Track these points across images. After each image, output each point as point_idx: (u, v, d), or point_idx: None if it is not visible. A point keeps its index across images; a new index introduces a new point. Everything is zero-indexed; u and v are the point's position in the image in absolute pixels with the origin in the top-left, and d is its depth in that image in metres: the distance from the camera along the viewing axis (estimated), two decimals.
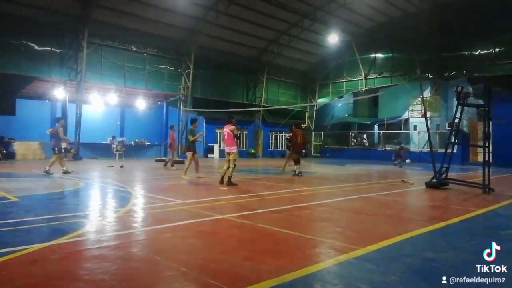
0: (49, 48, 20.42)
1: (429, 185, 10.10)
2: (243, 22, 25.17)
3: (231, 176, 9.79)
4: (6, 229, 4.72)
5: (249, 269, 3.45)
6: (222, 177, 9.94)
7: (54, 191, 8.67)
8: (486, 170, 9.18)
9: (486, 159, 9.51)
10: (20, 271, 3.31)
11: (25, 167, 14.98)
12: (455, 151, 10.99)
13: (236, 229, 5.23)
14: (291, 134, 15.92)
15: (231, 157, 9.85)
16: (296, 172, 12.93)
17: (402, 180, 11.95)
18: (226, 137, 10.09)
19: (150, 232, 4.93)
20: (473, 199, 8.55)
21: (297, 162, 13.16)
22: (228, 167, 9.87)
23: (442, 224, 5.59)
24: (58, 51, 20.74)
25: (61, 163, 12.16)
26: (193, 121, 11.96)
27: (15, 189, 8.30)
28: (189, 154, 11.61)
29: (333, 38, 27.28)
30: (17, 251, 3.76)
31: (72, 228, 4.90)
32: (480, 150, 23.29)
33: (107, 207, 6.84)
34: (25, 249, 3.84)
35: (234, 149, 9.94)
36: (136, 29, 22.67)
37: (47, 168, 11.69)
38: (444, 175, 10.17)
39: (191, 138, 11.47)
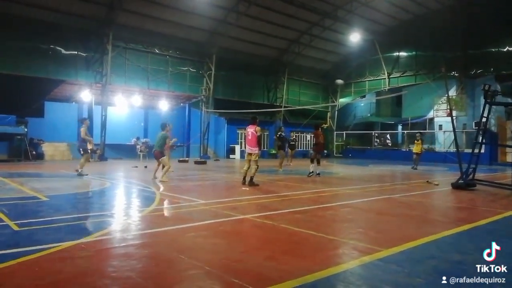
0: (76, 52, 21.07)
1: (455, 186, 9.84)
2: (263, 23, 25.24)
3: (253, 177, 9.83)
4: (38, 227, 4.91)
5: (271, 269, 3.46)
6: (244, 178, 10.00)
7: (81, 191, 8.93)
8: None
9: None
10: (51, 267, 3.44)
11: (53, 168, 15.47)
12: (482, 151, 10.66)
13: (258, 229, 5.26)
14: (279, 132, 17.48)
15: (253, 158, 9.89)
16: (317, 172, 13.06)
17: (427, 181, 11.68)
18: (250, 137, 10.12)
19: (174, 231, 5.01)
20: (502, 200, 8.29)
21: (317, 162, 13.14)
22: (248, 167, 9.92)
23: (468, 226, 5.45)
24: (84, 54, 21.37)
25: (81, 163, 12.10)
26: (165, 125, 11.53)
27: (45, 189, 8.59)
28: (165, 158, 11.04)
29: (355, 37, 26.98)
30: (48, 248, 3.90)
31: (99, 226, 5.06)
32: (509, 150, 22.63)
33: (132, 206, 7.00)
34: (55, 246, 3.97)
35: (256, 150, 9.99)
36: (159, 32, 23.08)
37: (79, 170, 11.90)
38: (471, 175, 9.90)
39: (168, 142, 11.30)
